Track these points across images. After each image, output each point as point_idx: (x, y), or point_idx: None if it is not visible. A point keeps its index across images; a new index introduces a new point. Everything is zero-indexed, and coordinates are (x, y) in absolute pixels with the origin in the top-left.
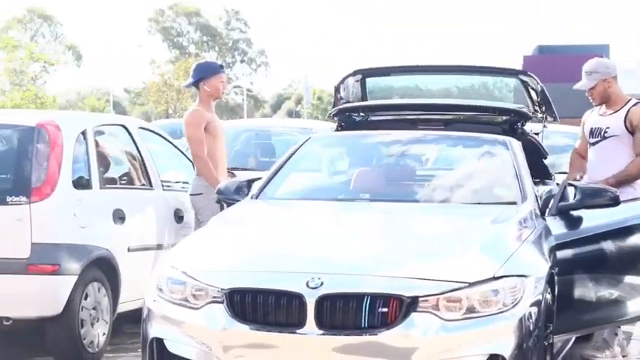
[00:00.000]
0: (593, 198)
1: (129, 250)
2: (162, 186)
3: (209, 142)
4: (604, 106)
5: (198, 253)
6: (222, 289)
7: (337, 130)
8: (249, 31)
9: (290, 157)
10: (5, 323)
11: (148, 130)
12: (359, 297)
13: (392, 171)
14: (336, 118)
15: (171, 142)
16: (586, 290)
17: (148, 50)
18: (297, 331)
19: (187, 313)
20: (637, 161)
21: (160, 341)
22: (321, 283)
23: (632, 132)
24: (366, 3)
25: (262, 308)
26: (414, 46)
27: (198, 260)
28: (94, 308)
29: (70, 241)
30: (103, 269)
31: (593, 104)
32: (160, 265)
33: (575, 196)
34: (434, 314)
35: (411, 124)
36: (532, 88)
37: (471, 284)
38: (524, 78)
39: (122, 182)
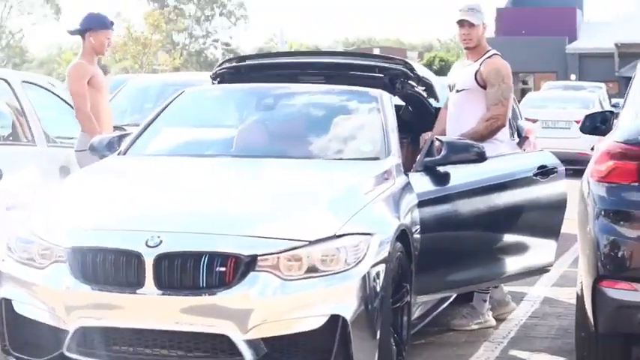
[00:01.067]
0: (459, 153)
1: (7, 208)
2: (49, 142)
3: (92, 97)
4: (467, 55)
5: (49, 211)
6: (65, 248)
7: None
8: None
9: (162, 111)
10: None
11: (36, 84)
12: (197, 256)
13: (261, 125)
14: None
15: (61, 98)
16: (451, 250)
17: (126, 3)
18: (137, 291)
19: (33, 273)
20: (488, 122)
21: (8, 302)
22: (160, 242)
23: (483, 86)
24: None
25: (103, 267)
26: None
27: (47, 219)
28: None
29: None
30: None
31: (464, 47)
32: (11, 223)
33: (440, 152)
34: (273, 274)
35: (292, 78)
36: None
37: (312, 242)
38: (402, 69)
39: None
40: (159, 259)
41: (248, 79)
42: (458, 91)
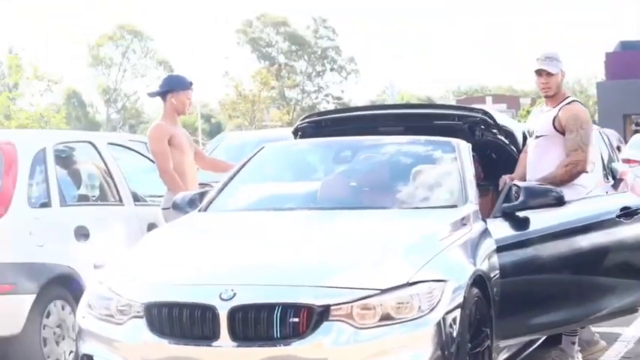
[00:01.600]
0: (537, 198)
1: (95, 267)
2: (137, 201)
3: (175, 156)
4: (546, 102)
5: (125, 268)
6: (141, 304)
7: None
8: (338, 39)
9: (242, 167)
10: None
11: (120, 145)
12: (270, 307)
13: (339, 178)
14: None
15: (147, 157)
16: (533, 293)
17: (237, 62)
18: (213, 343)
19: (112, 329)
20: (567, 168)
21: (90, 357)
22: (234, 295)
23: (562, 132)
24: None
25: (179, 321)
26: (499, 44)
27: (124, 275)
28: (58, 326)
29: (26, 260)
30: (66, 287)
31: (543, 95)
32: (92, 281)
33: (518, 197)
34: (347, 323)
35: (372, 131)
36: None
37: (384, 291)
38: (482, 117)
39: (87, 199)
40: (233, 312)
41: (329, 132)
42: (537, 137)
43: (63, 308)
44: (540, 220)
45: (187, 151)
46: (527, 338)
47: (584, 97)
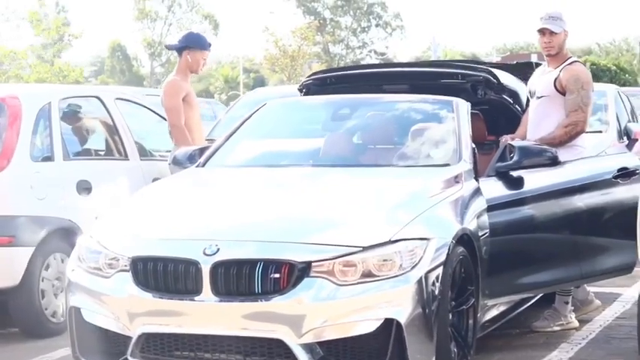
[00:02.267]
0: (531, 157)
1: (96, 219)
2: (143, 156)
3: (186, 112)
4: (548, 62)
5: (117, 222)
6: (128, 257)
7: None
8: None
9: (243, 123)
10: None
11: (129, 100)
12: (252, 263)
13: (336, 136)
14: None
15: (156, 113)
16: (525, 253)
17: (281, 17)
18: (195, 298)
19: (99, 282)
20: (567, 129)
21: (77, 310)
22: (217, 250)
23: (563, 93)
24: None
25: (163, 276)
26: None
27: (114, 229)
28: (57, 279)
29: (26, 213)
30: (66, 240)
31: (545, 55)
32: (83, 234)
33: (513, 156)
34: (328, 279)
35: (376, 88)
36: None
37: (365, 248)
38: (486, 76)
39: (91, 154)
40: (215, 267)
41: (333, 90)
42: (538, 97)
43: (62, 261)
44: (534, 179)
45: (196, 107)
46: (517, 297)
47: (631, 55)
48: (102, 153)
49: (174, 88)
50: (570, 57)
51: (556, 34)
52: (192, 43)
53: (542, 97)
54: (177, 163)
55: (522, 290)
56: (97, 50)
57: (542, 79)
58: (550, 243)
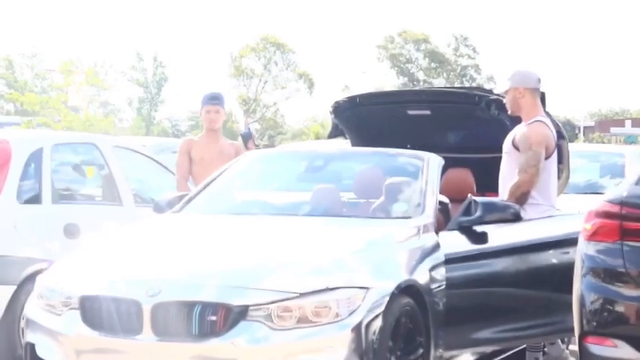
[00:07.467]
0: (493, 213)
1: None
2: (139, 202)
3: (192, 168)
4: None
5: (75, 262)
6: (78, 296)
7: (332, 130)
8: (478, 57)
9: (222, 173)
10: None
11: (128, 149)
12: (190, 305)
13: (307, 187)
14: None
15: (156, 161)
16: (482, 306)
17: (375, 77)
18: (137, 337)
19: (52, 320)
20: (511, 190)
21: (32, 346)
22: (159, 292)
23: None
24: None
25: (108, 315)
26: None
27: (71, 269)
28: None
29: (9, 252)
30: None
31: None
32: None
33: (476, 212)
34: (264, 323)
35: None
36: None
37: (302, 294)
38: (498, 97)
39: (83, 198)
40: (156, 307)
41: (361, 110)
42: (505, 152)
43: None
44: (495, 235)
45: (203, 163)
46: (480, 350)
47: None
48: (94, 198)
49: (181, 146)
50: (536, 115)
51: (505, 92)
52: (201, 102)
53: (505, 152)
54: (159, 208)
55: (481, 344)
56: (194, 105)
57: (509, 135)
58: (510, 298)
